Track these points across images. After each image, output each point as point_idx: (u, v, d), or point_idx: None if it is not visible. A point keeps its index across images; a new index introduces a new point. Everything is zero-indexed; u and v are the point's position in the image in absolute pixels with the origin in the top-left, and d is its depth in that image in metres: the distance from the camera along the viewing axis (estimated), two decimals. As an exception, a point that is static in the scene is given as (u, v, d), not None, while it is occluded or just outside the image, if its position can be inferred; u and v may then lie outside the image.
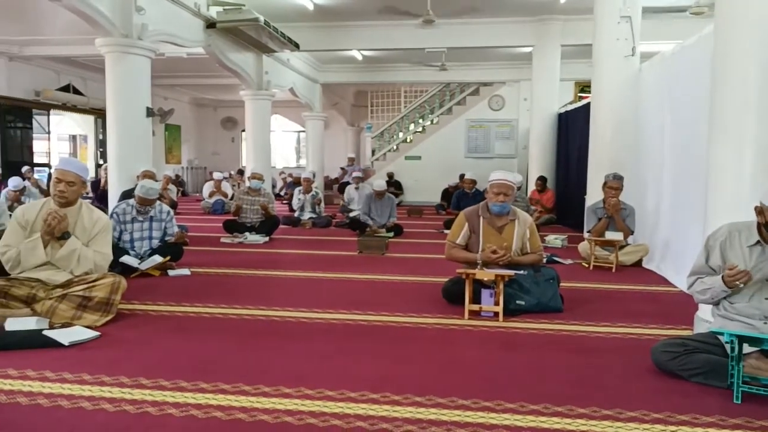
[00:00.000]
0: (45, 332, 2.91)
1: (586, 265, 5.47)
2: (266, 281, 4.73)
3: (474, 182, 9.09)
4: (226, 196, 11.55)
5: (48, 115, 13.59)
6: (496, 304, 3.46)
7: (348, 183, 11.36)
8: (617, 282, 4.78)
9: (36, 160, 13.04)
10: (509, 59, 13.35)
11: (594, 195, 6.11)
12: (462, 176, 10.30)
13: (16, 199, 7.10)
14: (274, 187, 14.10)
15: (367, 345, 2.99)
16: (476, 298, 3.50)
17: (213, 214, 10.81)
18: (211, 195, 11.69)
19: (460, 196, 9.02)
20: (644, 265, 5.48)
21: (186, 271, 4.87)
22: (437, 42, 10.96)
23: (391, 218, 7.83)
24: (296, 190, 9.70)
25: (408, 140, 15.76)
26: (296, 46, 10.25)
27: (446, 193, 12.73)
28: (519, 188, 7.27)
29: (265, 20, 8.75)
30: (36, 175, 11.32)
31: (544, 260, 4.25)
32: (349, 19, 10.53)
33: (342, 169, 16.36)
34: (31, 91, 12.57)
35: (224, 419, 2.05)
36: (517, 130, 14.65)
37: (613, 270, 5.26)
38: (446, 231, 7.58)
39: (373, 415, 2.09)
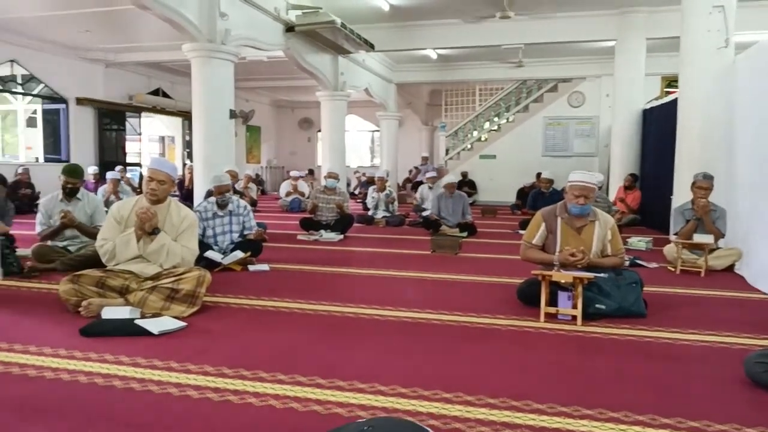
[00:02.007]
0: (137, 321, 3.11)
1: (673, 269, 5.20)
2: (341, 278, 4.82)
3: (551, 182, 8.85)
4: (302, 194, 11.86)
5: (139, 117, 14.50)
6: (574, 307, 3.35)
7: (421, 182, 11.36)
8: (706, 287, 4.50)
9: (128, 160, 13.94)
10: (590, 54, 12.88)
11: (681, 195, 5.79)
12: (539, 175, 10.05)
13: (113, 192, 7.62)
14: (348, 186, 14.34)
15: (440, 344, 2.98)
16: (553, 301, 3.41)
17: (290, 212, 11.12)
18: (288, 194, 12.04)
19: (536, 196, 8.80)
20: (736, 270, 5.13)
21: (265, 267, 5.05)
22: (514, 38, 10.74)
23: (465, 216, 7.76)
24: (370, 189, 9.82)
25: (482, 139, 15.54)
26: (371, 46, 10.37)
27: (522, 193, 12.47)
28: (600, 188, 7.01)
29: (341, 22, 8.91)
30: (128, 174, 12.11)
31: (626, 263, 4.09)
32: (424, 18, 10.53)
33: (415, 168, 16.38)
34: (124, 95, 13.46)
35: (300, 410, 2.11)
36: (598, 128, 14.11)
37: (702, 274, 4.97)
38: (521, 231, 7.42)
39: (446, 415, 2.09)
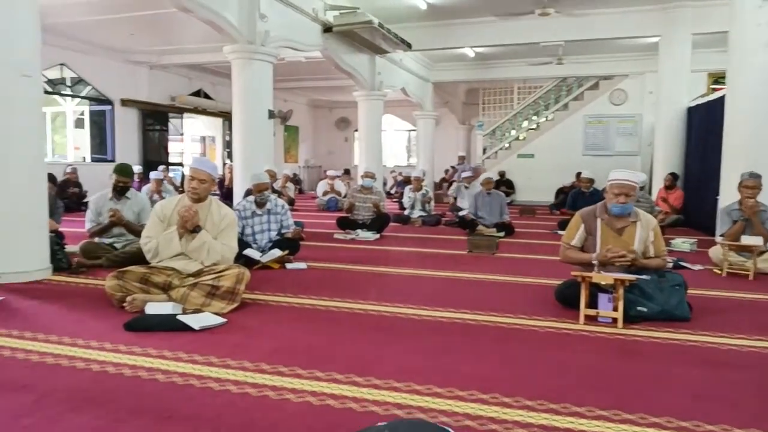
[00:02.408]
0: (179, 317, 3.19)
1: (719, 272, 5.03)
2: (376, 277, 4.84)
3: (591, 181, 8.67)
4: (339, 194, 11.95)
5: (182, 118, 14.86)
6: (615, 309, 3.28)
7: (457, 182, 11.30)
8: (755, 291, 4.34)
9: (171, 159, 14.30)
10: (633, 50, 12.59)
11: (728, 196, 5.61)
12: (578, 175, 9.87)
13: (156, 191, 7.83)
14: (384, 185, 14.37)
15: (476, 344, 2.96)
16: (593, 303, 3.35)
17: (327, 211, 11.22)
18: (325, 193, 12.15)
19: (576, 196, 8.64)
20: (788, 273, 4.94)
21: (302, 265, 5.11)
22: (554, 35, 10.58)
23: (503, 216, 7.68)
24: (406, 189, 9.82)
25: (520, 138, 15.36)
26: (408, 45, 10.37)
27: (561, 193, 12.27)
28: (642, 188, 6.84)
29: (378, 22, 8.95)
30: (170, 174, 12.42)
31: (670, 265, 3.98)
32: (461, 16, 10.47)
33: (452, 167, 16.29)
34: (167, 96, 13.80)
35: (337, 407, 2.13)
36: (640, 126, 13.76)
37: (750, 278, 4.79)
38: (560, 232, 7.31)
39: (482, 416, 2.08)
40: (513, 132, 15.63)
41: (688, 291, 3.57)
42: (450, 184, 14.03)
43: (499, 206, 7.73)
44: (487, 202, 7.75)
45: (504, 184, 14.01)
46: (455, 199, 10.20)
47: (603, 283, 3.30)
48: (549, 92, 15.23)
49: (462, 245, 6.43)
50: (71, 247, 5.11)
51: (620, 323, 3.24)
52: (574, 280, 3.47)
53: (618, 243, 3.50)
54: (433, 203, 9.70)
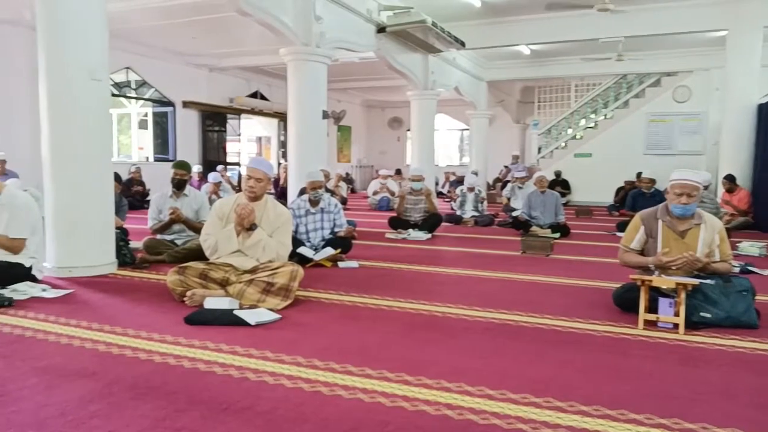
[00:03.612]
0: (235, 312, 3.28)
1: (791, 278, 4.76)
2: (428, 276, 4.83)
3: (653, 181, 8.35)
4: (392, 193, 11.99)
5: (239, 118, 15.26)
6: (677, 314, 3.15)
7: (511, 181, 11.13)
8: (831, 299, 4.08)
9: (228, 159, 14.71)
10: (697, 45, 12.05)
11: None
12: (639, 175, 9.53)
13: (214, 192, 8.07)
14: (437, 184, 14.31)
15: (529, 347, 2.91)
16: (653, 307, 3.23)
17: (379, 211, 11.28)
18: (376, 192, 12.22)
19: (636, 197, 8.34)
20: None
21: (354, 264, 5.16)
22: (613, 31, 10.26)
23: (558, 216, 7.51)
24: (459, 189, 9.75)
25: (578, 137, 14.96)
26: (462, 44, 10.29)
27: (620, 193, 11.89)
28: (707, 188, 6.55)
29: (432, 21, 8.92)
30: (228, 173, 12.78)
31: (736, 269, 3.79)
32: (516, 13, 10.31)
33: (506, 167, 16.06)
34: (225, 98, 14.21)
35: (388, 405, 2.15)
36: (706, 124, 13.17)
37: (827, 285, 4.51)
38: (619, 234, 7.10)
39: (535, 419, 2.04)
40: (570, 130, 15.25)
41: (757, 297, 3.39)
42: (504, 184, 13.84)
43: (554, 206, 7.56)
44: (541, 201, 7.59)
45: (560, 184, 13.68)
46: (508, 199, 10.05)
47: (664, 287, 3.18)
48: (608, 89, 14.78)
49: (515, 246, 6.33)
50: (135, 243, 5.33)
51: (682, 329, 3.12)
52: (633, 284, 3.36)
53: (680, 246, 3.37)
54: (486, 203, 9.59)
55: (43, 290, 3.84)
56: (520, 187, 9.65)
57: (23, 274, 3.89)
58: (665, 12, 9.72)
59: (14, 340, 2.89)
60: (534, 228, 7.38)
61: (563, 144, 15.10)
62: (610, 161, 13.73)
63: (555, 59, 13.67)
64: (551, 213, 7.54)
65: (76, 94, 4.40)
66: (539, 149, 15.42)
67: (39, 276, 4.05)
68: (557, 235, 7.19)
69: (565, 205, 9.23)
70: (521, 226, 7.57)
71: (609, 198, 12.41)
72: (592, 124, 14.89)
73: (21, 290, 3.76)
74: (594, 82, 15.29)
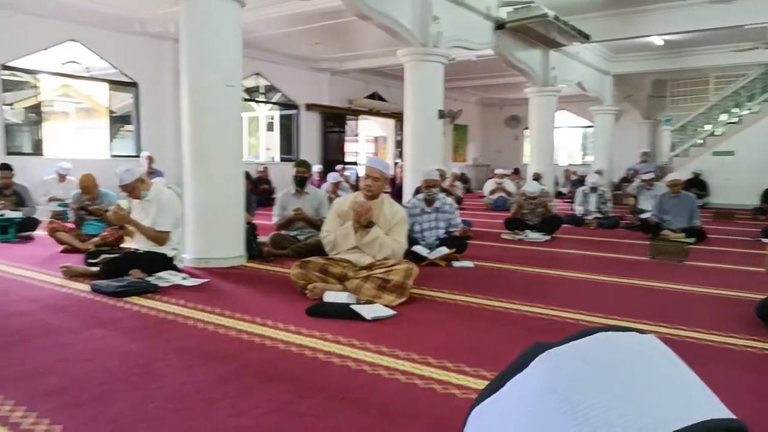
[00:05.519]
0: (353, 306, 3.39)
1: None
2: (545, 279, 4.67)
3: (807, 182, 7.46)
4: (509, 193, 11.73)
5: (357, 119, 15.71)
6: (836, 331, 2.79)
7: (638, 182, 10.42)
8: None
9: (347, 159, 15.21)
10: None
11: None
12: (790, 175, 8.54)
13: (333, 191, 8.37)
14: (556, 185, 13.77)
15: (658, 358, 2.71)
16: (806, 322, 2.89)
17: (494, 211, 11.08)
18: (492, 192, 12.01)
19: (786, 199, 7.48)
20: None
21: (469, 263, 5.12)
22: (761, 16, 9.25)
23: (693, 220, 6.92)
24: (580, 189, 9.32)
25: (717, 133, 13.67)
26: (586, 37, 9.82)
27: (767, 195, 10.73)
28: None
29: (554, 15, 8.60)
30: (346, 173, 13.21)
31: None
32: (648, 2, 9.64)
33: (633, 170, 15.01)
34: (344, 99, 14.70)
35: (503, 408, 2.11)
36: None
37: None
38: (765, 240, 6.43)
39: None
40: (708, 127, 13.97)
41: None
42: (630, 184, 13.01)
43: (689, 209, 6.96)
44: (674, 204, 7.03)
45: (695, 185, 12.60)
46: (635, 198, 9.42)
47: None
48: (754, 81, 13.34)
49: (643, 251, 5.92)
50: (262, 238, 5.68)
51: (843, 349, 2.75)
52: (781, 295, 3.02)
53: (842, 254, 2.97)
54: (610, 204, 9.07)
55: (184, 279, 4.23)
56: (648, 189, 9.02)
57: (167, 263, 4.31)
58: (827, -9, 8.62)
59: (158, 322, 3.21)
60: (665, 232, 6.85)
61: (700, 141, 13.87)
62: (756, 160, 12.38)
63: (691, 50, 12.59)
64: (685, 216, 6.95)
65: (213, 99, 4.79)
66: (672, 147, 14.28)
67: (180, 265, 4.47)
68: (692, 239, 6.62)
69: (701, 207, 8.49)
70: (650, 229, 7.05)
71: (753, 200, 11.22)
72: (735, 120, 13.52)
73: (164, 278, 4.16)
74: (737, 74, 13.88)
